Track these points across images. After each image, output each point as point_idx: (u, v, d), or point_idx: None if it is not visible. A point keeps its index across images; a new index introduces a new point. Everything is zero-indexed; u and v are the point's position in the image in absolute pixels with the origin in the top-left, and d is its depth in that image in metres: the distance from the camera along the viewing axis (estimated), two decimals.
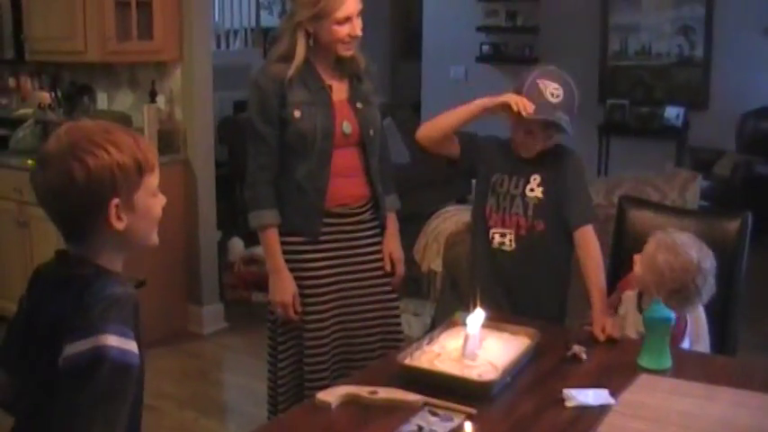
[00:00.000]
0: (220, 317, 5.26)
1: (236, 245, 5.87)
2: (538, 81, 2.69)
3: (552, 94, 2.65)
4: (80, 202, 1.67)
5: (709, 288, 2.53)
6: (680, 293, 2.49)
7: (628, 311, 2.70)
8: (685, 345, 2.62)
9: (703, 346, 2.71)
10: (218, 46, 8.80)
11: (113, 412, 1.60)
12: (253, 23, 9.20)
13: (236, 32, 9.20)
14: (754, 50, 7.80)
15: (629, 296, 2.72)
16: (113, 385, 1.60)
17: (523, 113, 2.57)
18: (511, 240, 2.80)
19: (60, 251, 1.78)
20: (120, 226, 1.70)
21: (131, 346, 1.64)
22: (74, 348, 1.59)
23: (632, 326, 2.65)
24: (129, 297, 1.71)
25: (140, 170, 1.72)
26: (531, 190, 2.79)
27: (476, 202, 2.92)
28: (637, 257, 2.62)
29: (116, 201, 1.69)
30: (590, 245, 2.73)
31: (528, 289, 2.83)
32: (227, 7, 9.20)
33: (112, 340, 1.60)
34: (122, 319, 1.65)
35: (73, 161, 1.64)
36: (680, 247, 2.52)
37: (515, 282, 2.83)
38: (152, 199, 1.78)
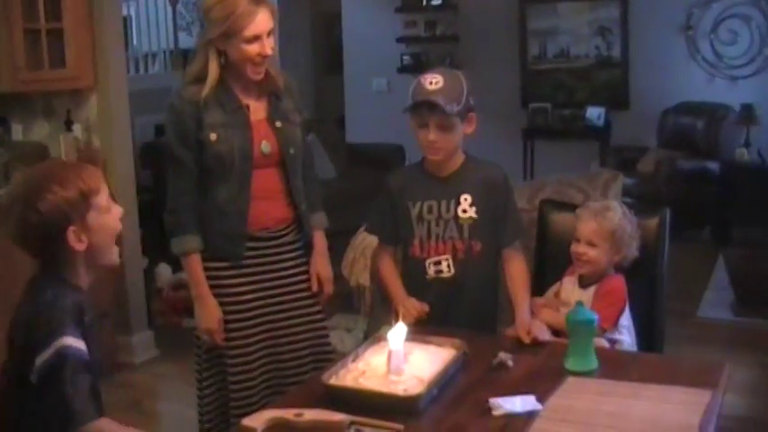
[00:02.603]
0: (151, 344, 5.17)
1: (164, 271, 5.78)
2: (420, 78, 2.71)
3: (431, 83, 2.66)
4: (41, 237, 2.04)
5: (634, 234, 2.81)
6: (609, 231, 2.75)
7: (569, 294, 2.81)
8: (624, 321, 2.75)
9: (629, 344, 2.74)
10: (137, 70, 8.70)
11: (83, 385, 2.01)
12: (171, 45, 9.10)
13: (154, 55, 9.10)
14: (670, 48, 7.97)
15: (569, 280, 2.86)
16: (77, 371, 2.00)
17: (402, 322, 2.43)
18: (449, 266, 2.77)
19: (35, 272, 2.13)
20: (80, 247, 2.05)
21: (81, 344, 2.02)
22: (41, 358, 1.98)
23: (571, 299, 2.72)
24: (78, 305, 2.07)
25: (85, 196, 2.05)
26: (464, 211, 2.76)
27: (402, 242, 2.88)
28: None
29: (72, 228, 2.04)
30: (517, 261, 2.82)
31: (467, 306, 2.81)
32: (145, 30, 9.10)
33: (70, 341, 2.00)
34: (74, 324, 2.03)
35: (26, 209, 2.02)
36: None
37: (455, 302, 2.80)
38: (104, 215, 2.11)
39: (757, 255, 5.47)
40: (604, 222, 2.77)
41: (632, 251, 2.82)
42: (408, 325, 2.37)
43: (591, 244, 2.78)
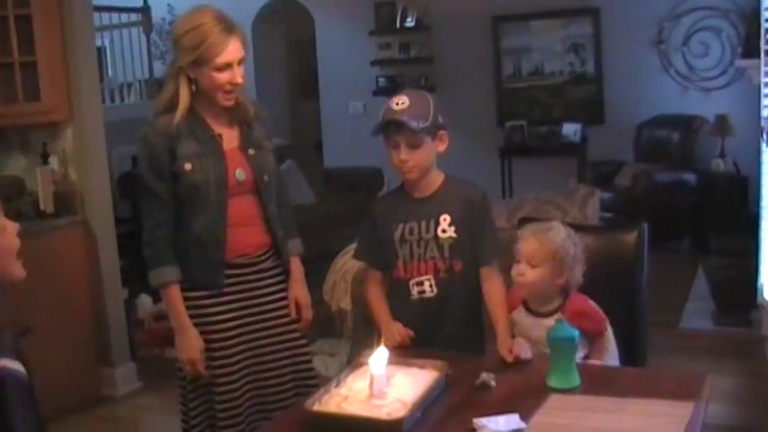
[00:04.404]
0: (133, 376, 5.14)
1: (145, 301, 5.76)
2: (388, 101, 2.74)
3: (397, 103, 2.69)
4: None
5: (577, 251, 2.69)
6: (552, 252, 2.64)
7: (521, 324, 2.74)
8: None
9: (612, 359, 2.74)
10: (113, 100, 8.68)
11: (26, 412, 1.89)
12: (146, 74, 9.10)
13: (129, 85, 9.08)
14: (643, 62, 8.04)
15: (518, 312, 2.76)
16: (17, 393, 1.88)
17: (384, 346, 2.48)
18: (432, 286, 2.78)
19: None
20: None
21: (20, 366, 1.92)
22: None
23: (534, 338, 2.67)
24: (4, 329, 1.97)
25: None
26: (444, 231, 2.76)
27: (386, 266, 2.87)
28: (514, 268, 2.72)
29: None
30: (495, 280, 2.79)
31: (451, 326, 2.80)
32: (119, 61, 9.10)
33: (6, 362, 1.88)
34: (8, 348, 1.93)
35: None
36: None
37: (439, 322, 2.80)
38: None
39: (735, 264, 5.51)
40: (546, 242, 2.66)
41: (576, 276, 2.69)
42: (391, 349, 2.37)
43: (531, 264, 2.66)
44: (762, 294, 5.10)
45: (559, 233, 2.70)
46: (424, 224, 2.77)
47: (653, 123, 7.82)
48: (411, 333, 2.73)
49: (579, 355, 2.58)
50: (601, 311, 2.70)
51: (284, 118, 10.11)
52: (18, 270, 2.03)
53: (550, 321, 2.60)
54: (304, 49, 10.38)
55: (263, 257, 2.97)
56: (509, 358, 2.54)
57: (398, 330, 2.73)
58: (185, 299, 2.87)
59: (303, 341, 3.06)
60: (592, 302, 2.71)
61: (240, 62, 2.80)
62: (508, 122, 8.57)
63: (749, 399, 4.37)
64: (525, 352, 2.58)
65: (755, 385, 4.47)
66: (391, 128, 2.70)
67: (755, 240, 5.38)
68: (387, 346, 2.42)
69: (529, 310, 2.74)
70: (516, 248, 2.71)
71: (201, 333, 2.87)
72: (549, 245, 2.66)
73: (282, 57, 10.39)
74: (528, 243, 2.69)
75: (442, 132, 2.76)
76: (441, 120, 2.75)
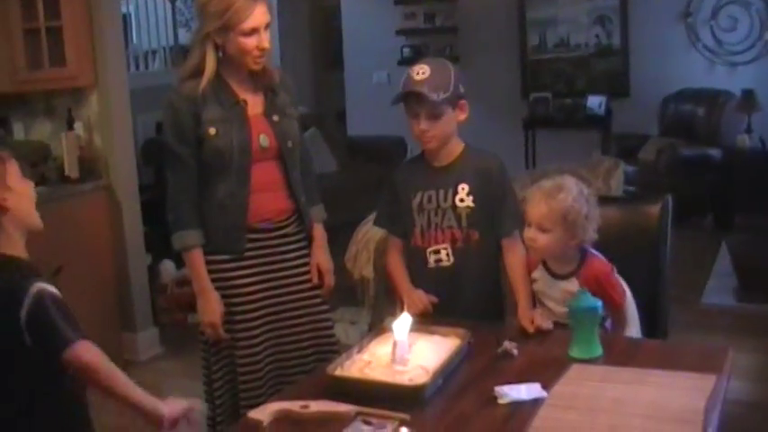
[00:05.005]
0: (156, 342, 5.19)
1: (168, 267, 5.78)
2: (409, 70, 2.73)
3: (417, 73, 2.67)
4: None
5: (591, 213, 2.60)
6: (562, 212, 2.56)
7: (540, 282, 2.73)
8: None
9: (634, 331, 2.73)
10: (138, 67, 8.67)
11: (65, 313, 2.20)
12: (171, 42, 9.08)
13: (154, 53, 9.06)
14: (670, 35, 7.95)
15: (537, 272, 2.73)
16: (56, 304, 2.19)
17: (407, 313, 2.47)
18: (448, 255, 2.78)
19: None
20: (7, 204, 2.27)
21: (53, 289, 2.22)
22: (24, 311, 2.14)
23: (550, 297, 2.69)
24: (27, 266, 2.29)
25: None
26: (462, 200, 2.76)
27: (406, 234, 2.87)
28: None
29: None
30: (516, 251, 2.78)
31: (469, 296, 2.81)
32: (144, 28, 9.08)
33: (42, 284, 2.19)
34: (44, 278, 2.24)
35: None
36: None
37: (456, 292, 2.80)
38: (22, 183, 2.37)
39: (759, 241, 5.48)
40: (555, 204, 2.55)
41: (590, 234, 2.59)
42: (413, 316, 2.38)
43: (542, 229, 2.58)
44: None
45: (570, 193, 2.58)
46: (442, 193, 2.77)
47: (678, 97, 7.74)
48: (434, 299, 2.74)
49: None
50: (621, 284, 2.67)
51: (308, 87, 10.09)
52: (39, 219, 2.39)
53: (568, 284, 2.61)
54: (328, 18, 10.34)
55: (285, 223, 2.98)
56: (530, 329, 2.55)
57: (420, 298, 2.74)
58: (207, 263, 2.89)
59: (324, 307, 3.07)
60: (615, 275, 2.66)
61: (267, 27, 2.80)
62: (532, 94, 8.53)
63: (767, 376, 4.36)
64: (547, 323, 2.58)
65: None
66: (411, 99, 2.70)
67: None
68: (409, 313, 2.43)
69: (547, 268, 2.71)
70: (526, 211, 2.65)
71: (223, 297, 2.89)
72: (558, 208, 2.56)
73: (306, 25, 10.36)
74: (537, 207, 2.60)
75: (462, 102, 2.75)
76: (461, 89, 2.74)
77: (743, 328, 4.98)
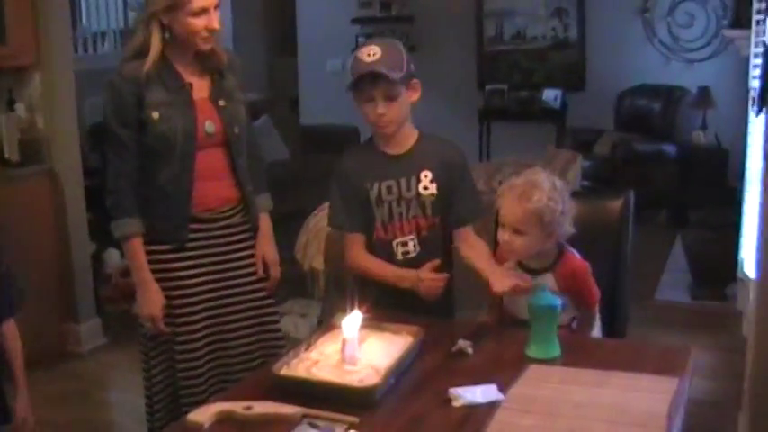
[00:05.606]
0: (99, 332, 5.04)
1: (113, 255, 5.61)
2: (357, 53, 2.62)
3: (369, 55, 2.56)
4: None
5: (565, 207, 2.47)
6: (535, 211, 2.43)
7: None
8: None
9: (596, 331, 2.65)
10: (86, 50, 8.48)
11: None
12: (122, 24, 8.89)
13: (104, 35, 8.87)
14: (627, 30, 7.95)
15: (508, 267, 2.58)
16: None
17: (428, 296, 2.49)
18: (415, 245, 2.69)
19: None
20: None
21: None
22: None
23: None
24: None
25: None
26: (426, 188, 2.67)
27: (366, 228, 2.74)
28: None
29: None
30: (476, 244, 2.69)
31: None
32: (94, 9, 8.87)
33: None
34: None
35: None
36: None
37: None
38: None
39: (714, 237, 5.45)
40: (530, 206, 2.42)
41: (565, 228, 2.47)
42: (428, 297, 2.43)
43: (517, 232, 2.45)
44: (742, 268, 5.06)
45: (544, 190, 2.44)
46: (404, 182, 2.67)
47: (634, 92, 7.75)
48: (446, 275, 2.63)
49: (567, 317, 2.49)
50: (596, 288, 2.55)
51: (261, 72, 9.95)
52: None
53: (543, 280, 2.48)
54: (283, 3, 10.19)
55: (230, 212, 2.87)
56: (505, 288, 2.41)
57: (429, 276, 2.61)
58: (148, 252, 2.79)
59: (270, 300, 2.98)
60: (590, 276, 2.54)
61: (217, 6, 2.69)
62: (488, 86, 8.47)
63: (723, 373, 4.31)
64: (524, 279, 2.45)
65: (730, 360, 4.41)
66: (366, 81, 2.57)
67: (734, 214, 5.33)
68: (428, 298, 2.43)
69: (520, 263, 2.57)
70: (499, 211, 2.54)
71: (164, 289, 2.79)
72: (533, 209, 2.42)
73: (260, 10, 10.20)
74: (511, 210, 2.47)
75: (415, 81, 2.66)
76: (413, 68, 2.64)
77: (697, 325, 4.99)
